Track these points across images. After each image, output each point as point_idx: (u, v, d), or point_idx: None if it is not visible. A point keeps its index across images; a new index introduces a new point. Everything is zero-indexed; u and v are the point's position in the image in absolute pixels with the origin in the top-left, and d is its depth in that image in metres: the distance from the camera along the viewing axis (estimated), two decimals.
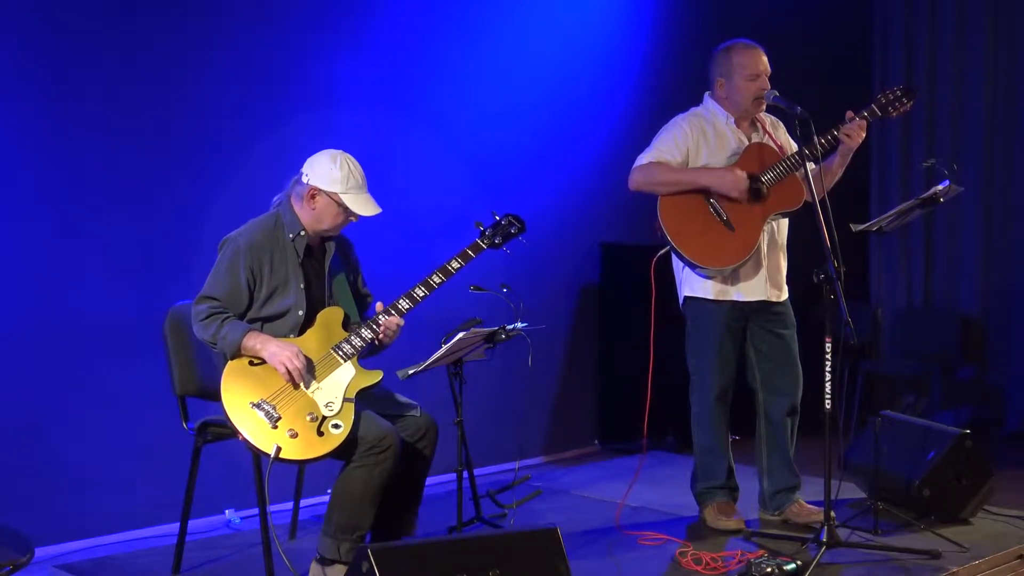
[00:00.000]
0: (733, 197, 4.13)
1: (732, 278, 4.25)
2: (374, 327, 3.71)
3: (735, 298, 4.26)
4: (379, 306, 3.75)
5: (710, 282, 4.25)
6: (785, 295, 4.38)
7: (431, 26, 5.61)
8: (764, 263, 4.27)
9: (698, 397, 4.36)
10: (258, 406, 3.53)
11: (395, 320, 3.71)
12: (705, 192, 4.19)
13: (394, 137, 5.43)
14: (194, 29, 4.75)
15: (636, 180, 4.26)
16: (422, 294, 3.77)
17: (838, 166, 4.30)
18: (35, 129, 4.38)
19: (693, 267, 4.24)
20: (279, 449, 3.47)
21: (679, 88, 6.00)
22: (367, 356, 3.78)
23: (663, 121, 4.37)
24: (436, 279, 3.78)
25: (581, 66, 6.32)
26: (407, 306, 3.76)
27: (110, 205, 4.57)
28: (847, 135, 4.16)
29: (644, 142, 4.36)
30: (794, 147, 4.29)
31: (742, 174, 4.13)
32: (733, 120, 4.30)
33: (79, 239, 4.50)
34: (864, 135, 4.19)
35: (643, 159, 4.26)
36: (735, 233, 4.17)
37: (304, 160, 3.80)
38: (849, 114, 4.20)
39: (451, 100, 5.71)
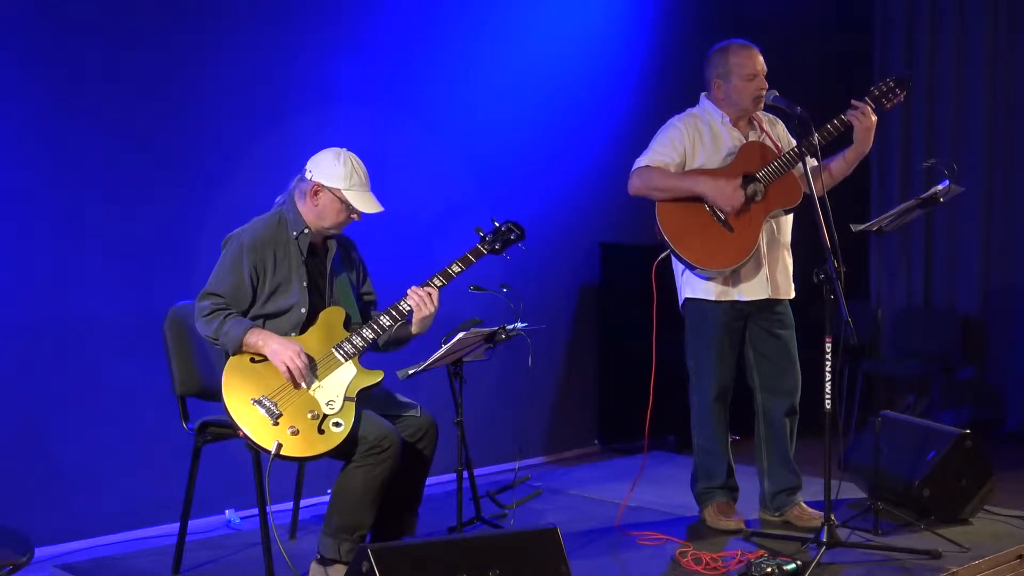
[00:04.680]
0: (724, 210, 4.13)
1: (733, 279, 4.25)
2: (376, 326, 3.71)
3: (736, 298, 4.26)
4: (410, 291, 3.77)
5: (711, 283, 4.25)
6: (792, 293, 4.37)
7: (431, 27, 5.61)
8: (765, 262, 4.27)
9: (698, 397, 4.36)
10: (259, 402, 3.53)
11: (424, 291, 3.72)
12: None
13: (394, 137, 5.43)
14: (194, 29, 4.76)
15: (634, 185, 4.26)
16: (387, 323, 3.76)
17: (853, 156, 4.26)
18: (35, 129, 4.38)
19: (693, 269, 4.24)
20: (280, 446, 3.47)
21: (679, 88, 6.00)
22: (388, 349, 3.85)
23: (663, 122, 4.37)
24: (437, 282, 3.79)
25: (581, 67, 6.31)
26: (408, 308, 3.76)
27: (110, 205, 4.57)
28: (856, 118, 4.15)
29: (644, 142, 4.36)
30: (793, 143, 4.29)
31: (738, 192, 4.12)
32: (729, 120, 4.30)
33: (79, 239, 4.50)
34: (875, 117, 4.19)
35: (641, 162, 4.26)
36: (734, 234, 4.17)
37: (304, 160, 3.80)
38: (854, 102, 4.21)
39: (451, 100, 5.71)
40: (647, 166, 4.23)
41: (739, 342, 4.36)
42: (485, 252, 3.91)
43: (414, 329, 3.82)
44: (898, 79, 4.30)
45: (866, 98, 4.21)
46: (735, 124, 4.31)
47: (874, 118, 4.19)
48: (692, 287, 4.30)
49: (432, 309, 3.75)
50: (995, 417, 7.06)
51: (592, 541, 4.24)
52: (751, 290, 4.27)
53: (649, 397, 4.24)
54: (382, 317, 3.73)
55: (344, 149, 3.77)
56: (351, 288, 3.88)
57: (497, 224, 3.97)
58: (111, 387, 4.56)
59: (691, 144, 4.26)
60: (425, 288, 3.75)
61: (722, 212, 4.14)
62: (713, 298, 4.26)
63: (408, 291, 3.76)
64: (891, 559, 3.94)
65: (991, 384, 7.16)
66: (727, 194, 4.11)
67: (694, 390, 4.38)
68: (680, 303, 4.38)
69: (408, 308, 3.75)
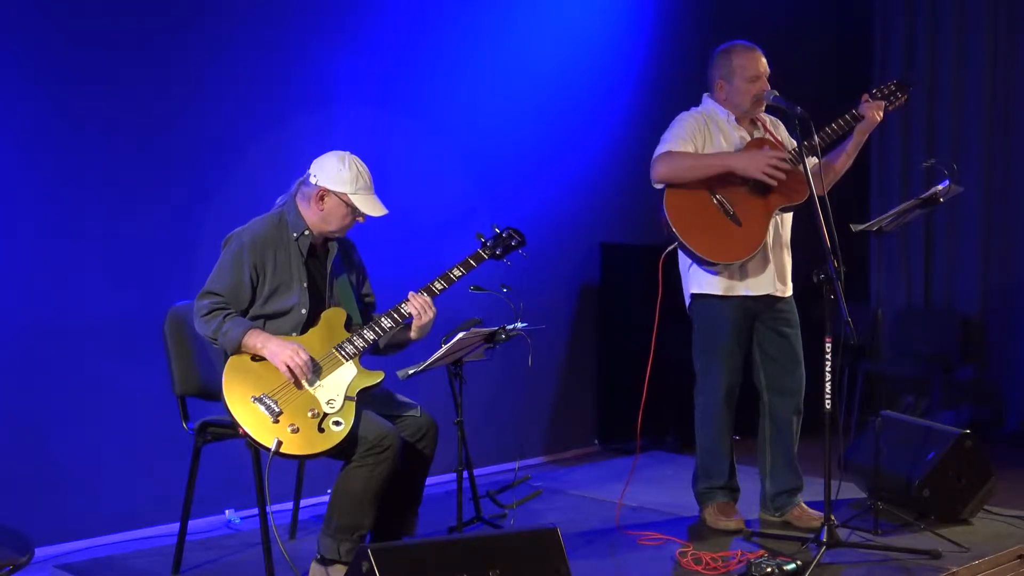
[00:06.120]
0: (759, 179, 4.08)
1: (740, 273, 4.24)
2: (377, 328, 3.71)
3: (743, 293, 4.24)
4: (410, 296, 3.79)
5: (717, 278, 4.24)
6: (790, 291, 4.37)
7: (431, 27, 5.61)
8: (771, 258, 4.27)
9: (705, 396, 4.35)
10: (260, 400, 3.53)
11: (424, 299, 3.75)
12: (711, 187, 4.17)
13: (394, 138, 5.43)
14: (194, 29, 4.76)
15: (660, 172, 4.17)
16: (388, 325, 3.76)
17: (852, 149, 4.29)
18: (35, 129, 4.38)
19: (701, 263, 4.22)
20: (280, 443, 3.47)
21: (678, 89, 6.01)
22: (390, 352, 3.87)
23: (663, 121, 4.36)
24: (438, 285, 3.81)
25: (581, 66, 6.32)
26: (408, 312, 3.76)
27: (110, 205, 4.57)
28: (864, 114, 4.18)
29: (645, 142, 4.36)
30: (794, 145, 4.29)
31: (771, 155, 4.09)
32: (734, 118, 4.30)
33: (79, 239, 4.50)
34: (882, 115, 4.20)
35: (662, 149, 4.20)
36: (742, 227, 4.16)
37: (304, 160, 3.80)
38: (864, 96, 4.24)
39: (451, 101, 5.71)
40: (670, 151, 4.19)
41: (747, 341, 4.35)
42: (486, 257, 3.93)
43: (413, 335, 3.83)
44: (900, 82, 4.31)
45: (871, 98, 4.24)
46: (739, 123, 4.31)
47: (882, 115, 4.22)
48: (699, 282, 4.28)
49: (432, 315, 3.77)
50: (995, 417, 7.06)
51: (592, 541, 4.24)
52: (758, 285, 4.26)
53: (643, 391, 4.23)
54: (383, 319, 3.74)
55: (347, 152, 3.77)
56: (351, 289, 3.89)
57: (498, 230, 3.98)
58: (111, 387, 4.56)
59: (702, 138, 4.25)
60: (424, 296, 3.76)
61: (735, 193, 4.10)
62: (721, 293, 4.24)
63: (408, 296, 3.77)
64: (891, 559, 3.94)
65: (991, 384, 7.16)
66: (760, 159, 4.08)
67: (701, 390, 4.36)
68: (687, 302, 4.36)
69: (408, 312, 3.76)
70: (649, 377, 4.23)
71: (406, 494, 3.81)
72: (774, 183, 4.09)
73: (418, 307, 3.75)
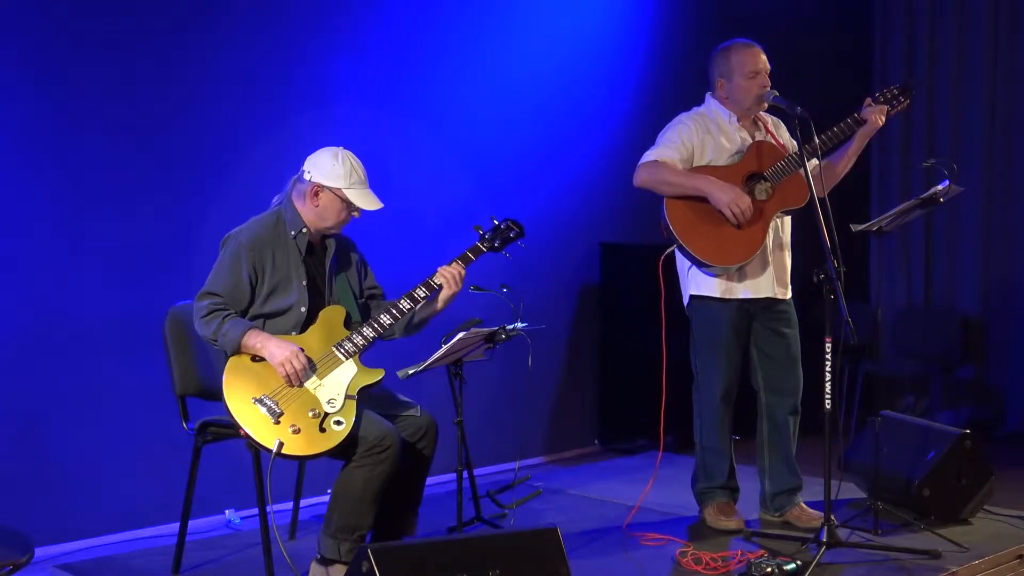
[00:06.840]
0: (723, 212, 4.11)
1: (739, 276, 4.24)
2: (375, 325, 3.71)
3: (742, 296, 4.25)
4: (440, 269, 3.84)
5: (716, 280, 4.24)
6: (789, 293, 4.38)
7: (431, 26, 5.61)
8: (770, 260, 4.27)
9: (703, 397, 4.35)
10: (260, 401, 3.53)
11: (454, 269, 3.80)
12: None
13: (394, 137, 5.43)
14: (194, 29, 4.76)
15: (641, 177, 4.23)
16: (423, 295, 3.79)
17: (853, 152, 4.30)
18: (35, 129, 4.38)
19: (700, 266, 4.23)
20: (282, 444, 3.47)
21: (680, 88, 6.01)
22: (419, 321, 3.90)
23: (663, 121, 4.36)
24: (437, 281, 3.80)
25: (581, 66, 6.32)
26: (408, 306, 3.77)
27: (110, 205, 4.57)
28: (866, 118, 4.19)
29: (645, 142, 4.35)
30: (796, 147, 4.29)
31: (743, 197, 4.11)
32: (736, 118, 4.30)
33: (79, 239, 4.50)
34: (884, 119, 4.21)
35: (649, 156, 4.24)
36: (742, 231, 4.17)
37: (303, 160, 3.80)
38: (867, 100, 4.25)
39: (451, 100, 5.71)
40: (656, 160, 4.21)
41: (744, 342, 4.35)
42: (485, 250, 3.92)
43: (440, 306, 3.87)
44: (902, 87, 4.31)
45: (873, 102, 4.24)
46: (740, 123, 4.31)
47: (884, 119, 4.22)
48: (697, 284, 4.29)
49: (458, 288, 3.83)
50: (995, 417, 7.06)
51: (592, 541, 4.24)
52: (756, 288, 4.26)
53: (662, 393, 4.23)
54: (382, 315, 3.74)
55: (341, 148, 3.78)
56: (350, 287, 3.89)
57: (496, 222, 3.98)
58: (111, 387, 4.56)
59: (700, 142, 4.25)
60: (453, 268, 3.82)
61: (729, 218, 4.12)
62: (719, 295, 4.25)
63: (438, 269, 3.81)
64: (891, 559, 3.94)
65: (991, 384, 7.16)
66: (728, 199, 4.10)
67: (699, 389, 4.36)
68: (685, 302, 4.37)
69: (439, 284, 3.79)
70: (654, 376, 4.22)
71: (406, 494, 3.82)
72: (734, 221, 4.11)
73: (448, 278, 3.80)
